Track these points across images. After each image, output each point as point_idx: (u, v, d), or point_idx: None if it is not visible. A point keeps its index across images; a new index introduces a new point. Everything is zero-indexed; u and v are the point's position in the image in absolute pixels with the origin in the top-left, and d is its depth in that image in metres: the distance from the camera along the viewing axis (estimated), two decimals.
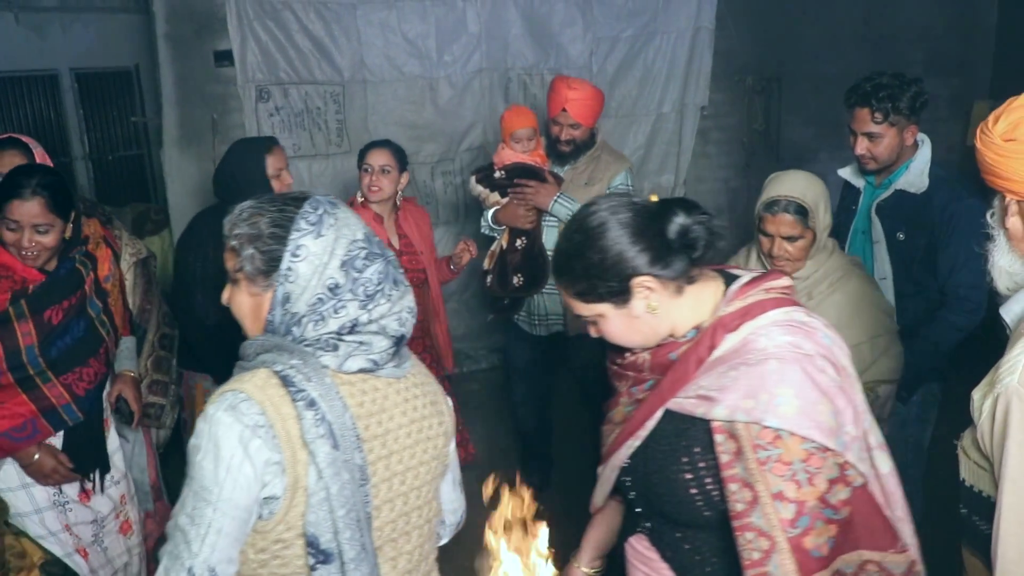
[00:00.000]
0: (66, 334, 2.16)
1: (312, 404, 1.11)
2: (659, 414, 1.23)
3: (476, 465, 3.10)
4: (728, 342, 1.19)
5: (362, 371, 1.18)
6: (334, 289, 1.15)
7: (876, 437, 1.23)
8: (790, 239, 2.04)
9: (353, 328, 1.16)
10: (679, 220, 1.20)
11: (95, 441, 2.28)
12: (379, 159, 2.80)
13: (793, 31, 5.02)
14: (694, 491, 1.20)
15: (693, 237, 1.20)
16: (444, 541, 1.49)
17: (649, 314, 1.23)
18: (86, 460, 2.24)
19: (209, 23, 3.93)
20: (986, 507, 1.24)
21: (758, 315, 1.20)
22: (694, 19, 4.63)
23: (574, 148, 3.02)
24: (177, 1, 3.86)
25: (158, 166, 4.68)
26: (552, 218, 2.96)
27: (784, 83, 5.10)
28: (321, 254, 1.14)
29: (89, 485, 2.26)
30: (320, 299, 1.14)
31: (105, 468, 2.30)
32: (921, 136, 2.41)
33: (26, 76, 5.43)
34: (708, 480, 1.19)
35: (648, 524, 1.34)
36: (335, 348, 1.16)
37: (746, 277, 1.27)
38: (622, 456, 1.29)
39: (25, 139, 2.46)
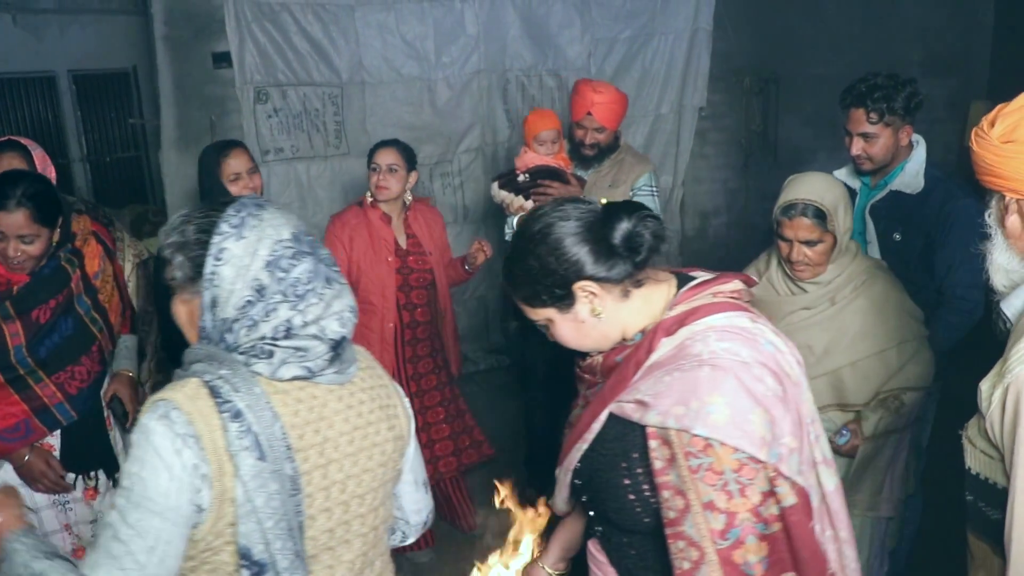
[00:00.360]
0: (54, 332, 2.15)
1: (238, 415, 1.10)
2: (603, 417, 1.21)
3: (481, 465, 3.10)
4: (665, 346, 1.18)
5: (296, 379, 1.17)
6: (261, 291, 1.13)
7: (823, 452, 1.21)
8: (809, 243, 2.01)
9: (288, 332, 1.15)
10: (623, 225, 1.18)
11: (98, 440, 2.28)
12: (387, 158, 2.80)
13: (791, 32, 5.03)
14: (632, 497, 1.18)
15: (637, 241, 1.18)
16: (410, 541, 1.50)
17: (595, 318, 1.22)
18: (86, 459, 2.24)
19: (207, 25, 3.93)
20: (992, 494, 1.26)
21: (697, 319, 1.18)
22: (692, 20, 4.64)
23: (598, 151, 3.01)
24: (175, 3, 3.86)
25: (156, 168, 4.68)
26: None
27: (782, 84, 5.11)
28: (243, 256, 1.13)
29: (92, 483, 2.26)
30: (249, 302, 1.13)
31: (113, 467, 2.30)
32: (916, 137, 2.43)
33: (23, 78, 5.43)
34: (646, 486, 1.17)
35: (599, 528, 1.33)
36: (269, 355, 1.14)
37: (700, 279, 1.25)
38: (573, 460, 1.27)
39: (25, 141, 2.45)
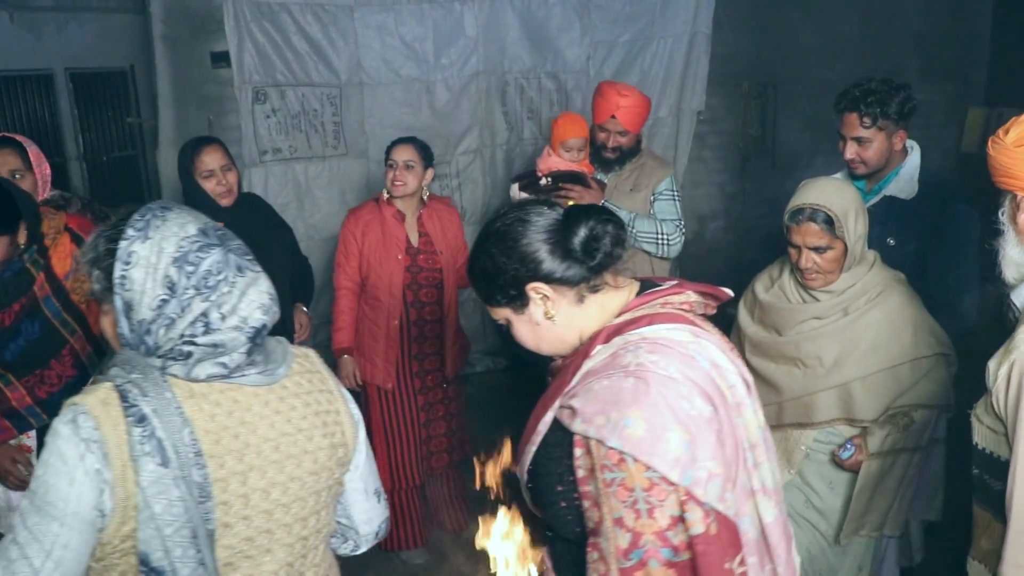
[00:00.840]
0: (19, 336, 2.11)
1: (142, 420, 1.10)
2: (548, 419, 1.17)
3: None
4: (600, 354, 1.15)
5: (212, 378, 1.16)
6: (172, 287, 1.13)
7: (763, 480, 1.16)
8: (817, 250, 1.95)
9: (208, 327, 1.14)
10: (582, 229, 1.17)
11: None
12: (403, 155, 2.81)
13: (789, 37, 5.05)
14: (564, 504, 1.16)
15: (594, 246, 1.17)
16: (359, 551, 1.47)
17: (549, 321, 1.21)
18: None
19: (206, 24, 3.92)
20: (996, 466, 1.36)
21: (634, 329, 1.15)
22: (691, 24, 4.65)
23: (620, 155, 2.97)
24: (174, 2, 3.85)
25: (153, 167, 4.66)
26: None
27: (780, 88, 5.12)
28: (150, 255, 1.13)
29: None
30: (163, 300, 1.13)
31: None
32: (911, 143, 2.43)
33: (20, 76, 5.41)
34: (575, 494, 1.14)
35: (549, 533, 1.30)
36: (187, 356, 1.14)
37: (655, 289, 1.23)
38: (525, 462, 1.24)
39: (19, 138, 2.44)
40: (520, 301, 1.21)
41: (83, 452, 1.09)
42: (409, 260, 2.87)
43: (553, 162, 2.93)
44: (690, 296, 1.21)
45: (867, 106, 2.32)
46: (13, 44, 5.25)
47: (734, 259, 5.27)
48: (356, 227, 2.88)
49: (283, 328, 2.78)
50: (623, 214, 2.82)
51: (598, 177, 2.99)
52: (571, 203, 1.24)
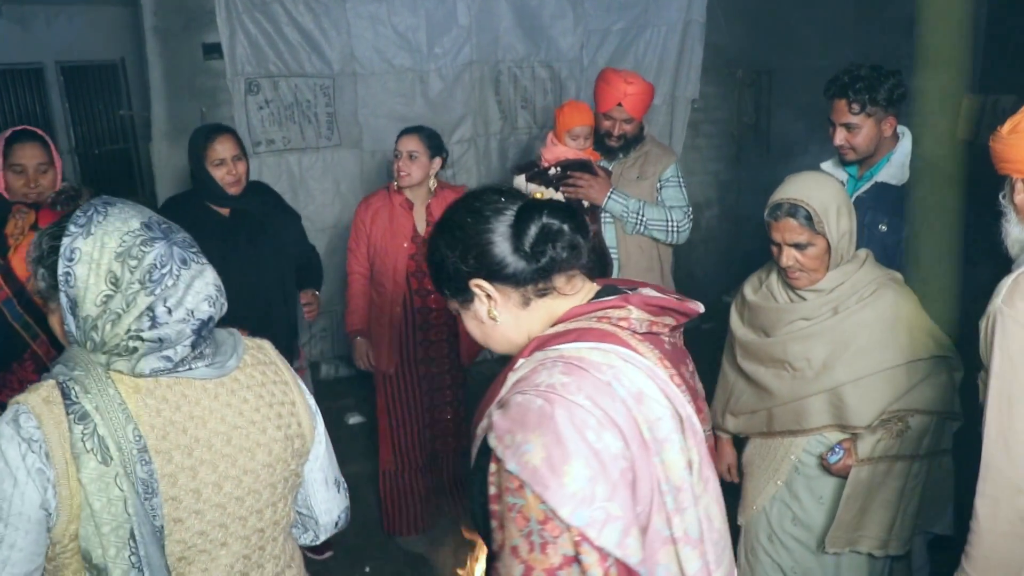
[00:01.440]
0: None
1: (83, 417, 1.10)
2: (485, 424, 1.08)
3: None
4: (522, 368, 1.07)
5: (156, 372, 1.16)
6: (116, 283, 1.13)
7: (688, 528, 1.04)
8: (798, 247, 1.87)
9: (154, 322, 1.13)
10: (532, 227, 1.08)
11: None
12: (407, 145, 2.83)
13: (784, 24, 5.03)
14: (483, 515, 1.07)
15: (540, 248, 1.08)
16: (319, 541, 1.47)
17: (492, 321, 1.14)
18: None
19: (197, 16, 3.89)
20: None
21: (556, 344, 1.06)
22: (685, 12, 4.64)
23: (624, 143, 2.96)
24: None
25: (145, 160, 4.64)
26: (607, 214, 2.88)
27: (775, 76, 5.11)
28: (92, 251, 1.13)
29: None
30: (107, 296, 1.13)
31: None
32: (902, 128, 2.44)
33: (10, 69, 5.37)
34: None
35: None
36: (133, 351, 1.14)
37: (602, 299, 1.13)
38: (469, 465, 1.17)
39: (39, 132, 2.44)
40: (464, 296, 1.14)
41: (25, 451, 1.08)
42: (415, 248, 2.89)
43: (560, 151, 2.90)
44: (631, 312, 1.10)
45: (855, 92, 2.32)
46: (2, 37, 5.21)
47: (729, 247, 5.28)
48: (366, 214, 2.92)
49: (288, 314, 2.80)
50: (632, 203, 2.82)
51: (602, 164, 2.98)
52: (538, 196, 1.16)
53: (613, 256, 2.90)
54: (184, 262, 1.17)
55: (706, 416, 1.22)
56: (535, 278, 1.10)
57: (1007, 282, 1.40)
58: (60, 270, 1.13)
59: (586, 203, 2.85)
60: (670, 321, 1.15)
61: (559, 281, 1.12)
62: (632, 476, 0.99)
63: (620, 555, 0.95)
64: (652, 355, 1.09)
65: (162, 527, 1.15)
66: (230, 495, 1.22)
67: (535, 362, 1.06)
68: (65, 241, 1.13)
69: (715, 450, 1.21)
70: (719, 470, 2.25)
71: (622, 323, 1.09)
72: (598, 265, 2.86)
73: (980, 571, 1.40)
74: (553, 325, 1.12)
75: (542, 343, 1.08)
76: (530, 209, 1.10)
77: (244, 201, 2.62)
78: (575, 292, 1.14)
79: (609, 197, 2.84)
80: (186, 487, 1.17)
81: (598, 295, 1.15)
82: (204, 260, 1.20)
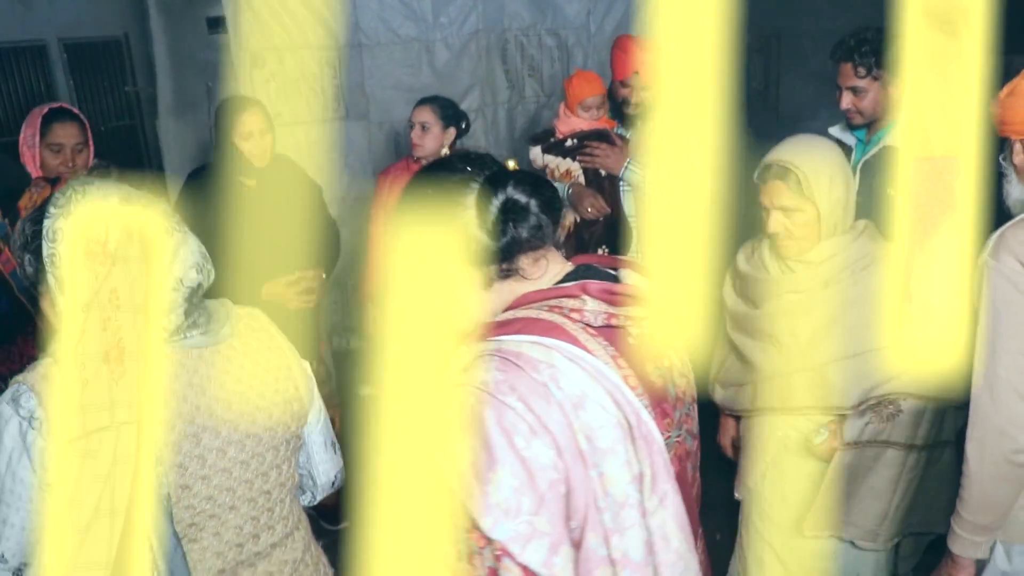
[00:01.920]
0: None
1: None
2: None
3: None
4: (463, 358, 0.99)
5: None
6: None
7: (627, 550, 0.93)
8: (786, 211, 1.77)
9: None
10: (494, 201, 0.98)
11: None
12: (420, 116, 2.84)
13: None
14: None
15: (501, 227, 0.98)
16: (316, 501, 1.50)
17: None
18: None
19: None
20: None
21: (501, 334, 0.98)
22: None
23: (642, 110, 2.87)
24: None
25: (152, 136, 4.64)
26: (625, 183, 2.83)
27: (783, 40, 5.05)
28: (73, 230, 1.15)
29: None
30: None
31: None
32: None
33: (13, 47, 5.34)
34: None
35: None
36: None
37: (565, 286, 1.03)
38: None
39: (76, 111, 2.46)
40: None
41: (25, 430, 1.11)
42: None
43: (575, 122, 2.87)
44: (585, 303, 1.00)
45: (861, 56, 2.31)
46: (3, 14, 5.17)
47: (737, 213, 5.26)
48: (384, 182, 2.95)
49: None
50: (648, 173, 2.79)
51: (619, 132, 2.94)
52: (511, 165, 1.11)
53: (632, 226, 2.88)
54: (167, 232, 1.18)
55: (676, 421, 1.09)
56: (496, 258, 1.01)
57: (995, 236, 1.48)
58: (45, 252, 1.14)
59: (603, 172, 2.83)
60: (640, 312, 1.03)
61: (524, 262, 1.02)
62: (565, 489, 0.91)
63: (546, 575, 0.88)
64: (604, 354, 0.98)
65: (168, 495, 1.18)
66: (235, 459, 1.25)
67: (473, 355, 0.97)
68: (47, 223, 1.14)
69: (686, 455, 1.12)
70: (722, 443, 2.21)
71: (574, 315, 0.99)
72: (616, 236, 2.85)
73: (972, 512, 1.47)
74: (504, 311, 1.03)
75: (486, 332, 1.00)
76: (493, 182, 1.00)
77: (268, 176, 2.63)
78: (540, 275, 1.04)
79: (627, 168, 2.80)
80: (190, 454, 1.19)
81: (566, 278, 1.04)
82: (186, 228, 1.22)
